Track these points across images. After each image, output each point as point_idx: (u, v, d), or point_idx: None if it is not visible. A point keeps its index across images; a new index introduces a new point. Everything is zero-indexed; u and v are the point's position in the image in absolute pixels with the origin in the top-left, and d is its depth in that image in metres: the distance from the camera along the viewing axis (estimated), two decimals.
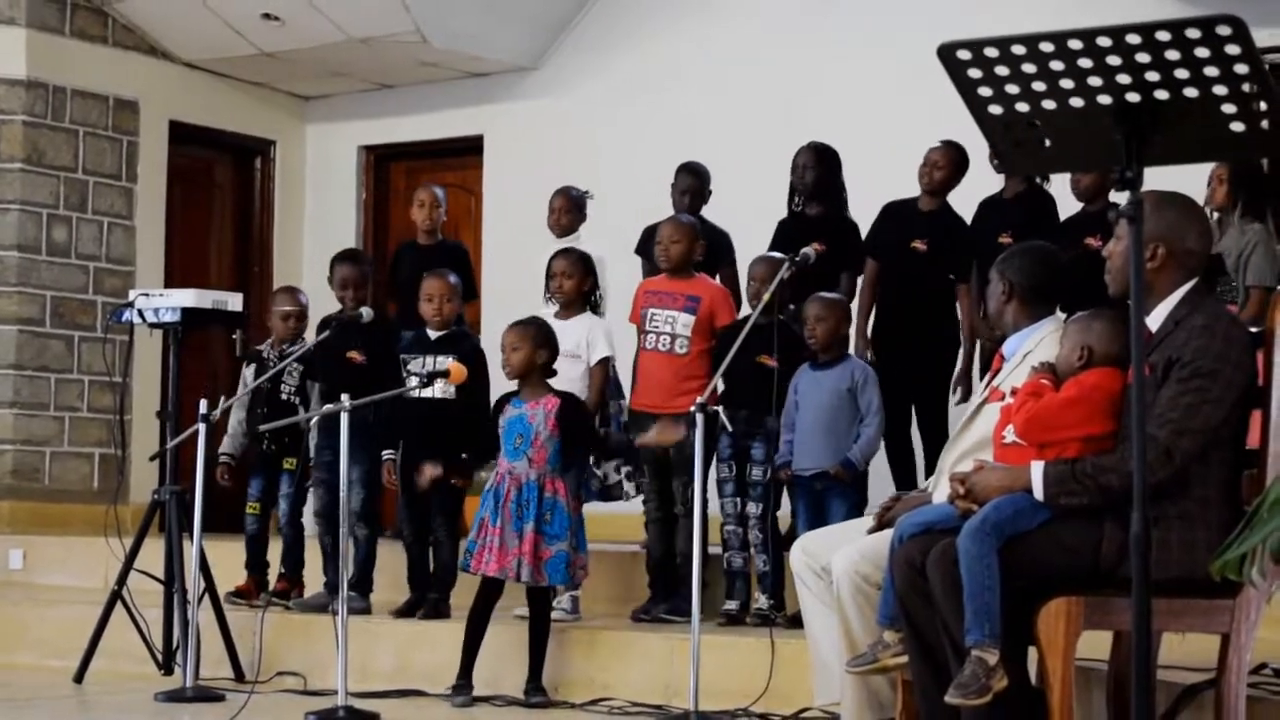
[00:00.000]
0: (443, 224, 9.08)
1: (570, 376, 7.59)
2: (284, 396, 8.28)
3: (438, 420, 7.59)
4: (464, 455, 7.58)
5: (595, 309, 7.88)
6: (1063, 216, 7.83)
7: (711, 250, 8.09)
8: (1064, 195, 7.82)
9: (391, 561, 8.09)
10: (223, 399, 7.65)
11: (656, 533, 7.70)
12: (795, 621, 7.09)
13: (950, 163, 8.07)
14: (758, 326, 7.14)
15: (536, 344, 7.04)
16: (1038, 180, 7.91)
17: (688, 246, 7.70)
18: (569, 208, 8.63)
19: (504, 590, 7.03)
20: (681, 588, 7.52)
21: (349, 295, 8.13)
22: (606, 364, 7.75)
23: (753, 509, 7.42)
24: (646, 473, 7.73)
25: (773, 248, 8.02)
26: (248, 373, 8.49)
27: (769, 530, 7.38)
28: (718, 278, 8.12)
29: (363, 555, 7.98)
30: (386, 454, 7.85)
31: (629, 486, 8.20)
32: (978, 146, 7.62)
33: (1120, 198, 7.46)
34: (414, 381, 7.21)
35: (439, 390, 7.46)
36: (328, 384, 8.01)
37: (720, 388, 7.30)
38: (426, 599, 7.74)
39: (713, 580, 7.70)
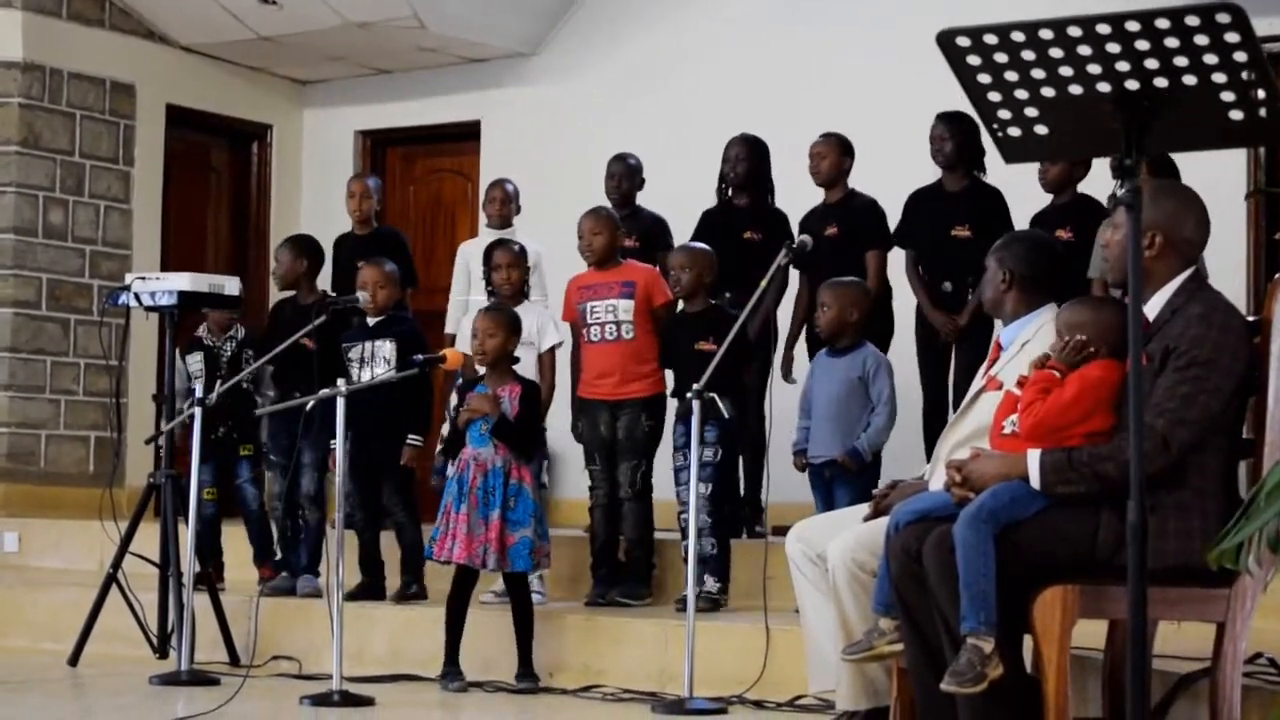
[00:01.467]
0: (376, 213, 9.08)
1: (526, 363, 7.65)
2: (243, 385, 8.24)
3: (384, 406, 7.63)
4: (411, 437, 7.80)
5: (528, 298, 7.93)
6: (1030, 210, 7.81)
7: (649, 236, 8.39)
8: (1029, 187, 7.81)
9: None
10: (218, 383, 7.65)
11: (602, 517, 7.75)
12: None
13: (833, 151, 8.17)
14: (697, 313, 7.46)
15: (510, 331, 7.10)
16: (976, 174, 7.94)
17: (609, 237, 7.77)
18: (507, 199, 8.72)
19: (478, 576, 7.05)
20: (633, 572, 7.66)
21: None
22: (554, 352, 7.83)
23: (701, 489, 7.41)
24: (596, 459, 7.76)
25: (697, 236, 8.18)
26: (191, 361, 8.45)
27: (718, 513, 7.41)
28: (656, 263, 8.22)
29: (313, 538, 8.03)
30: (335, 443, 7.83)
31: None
32: (920, 140, 7.78)
33: (1085, 187, 7.55)
34: (385, 369, 7.31)
35: (379, 376, 7.51)
36: (282, 369, 8.06)
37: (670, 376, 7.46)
38: (404, 581, 7.78)
39: (667, 565, 7.79)
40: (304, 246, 8.53)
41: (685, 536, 7.47)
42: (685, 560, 7.44)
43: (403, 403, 7.72)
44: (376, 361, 7.67)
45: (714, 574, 7.40)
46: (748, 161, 8.33)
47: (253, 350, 8.31)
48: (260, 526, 8.39)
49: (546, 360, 7.77)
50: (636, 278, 7.75)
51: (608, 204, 8.31)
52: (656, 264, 8.19)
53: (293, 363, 7.84)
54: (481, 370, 7.23)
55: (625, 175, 8.63)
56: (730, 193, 8.43)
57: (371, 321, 7.89)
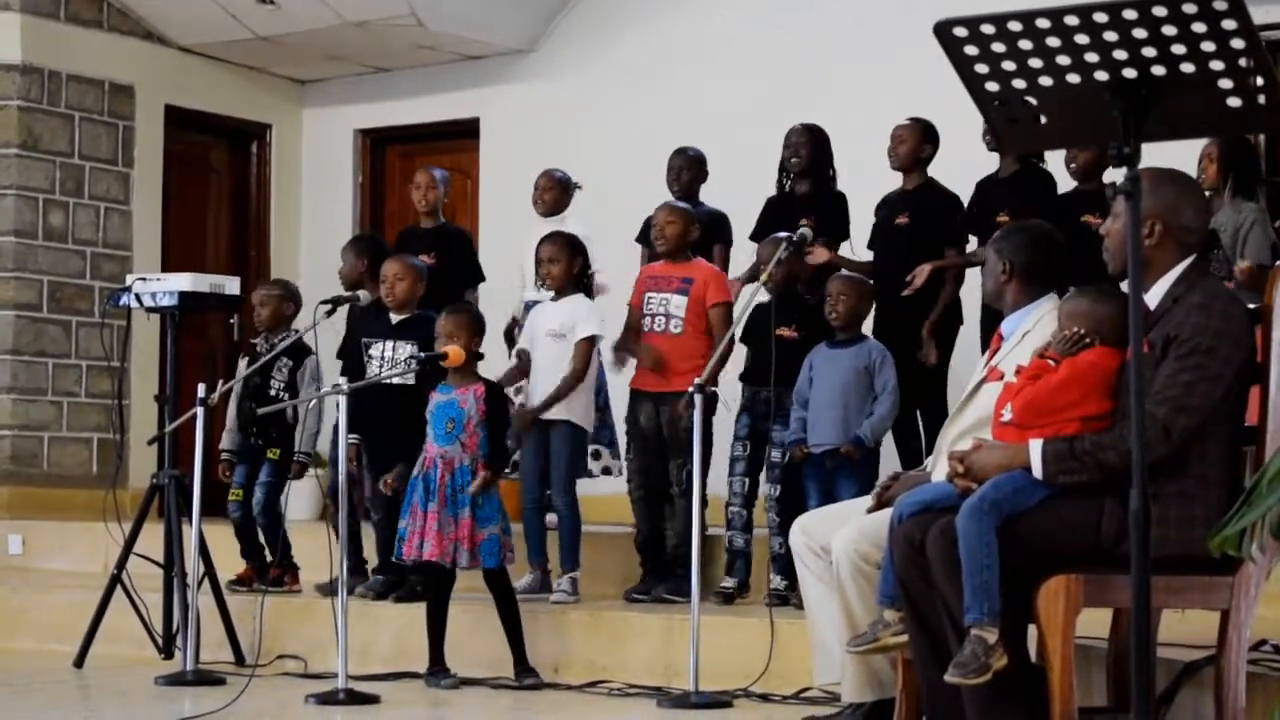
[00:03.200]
0: (444, 205, 9.06)
1: (555, 354, 7.69)
2: (272, 391, 8.23)
3: (402, 405, 7.64)
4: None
5: (588, 291, 7.90)
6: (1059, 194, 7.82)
7: (708, 230, 8.20)
8: (1060, 173, 7.81)
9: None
10: (220, 383, 7.65)
11: (642, 511, 7.76)
12: (783, 600, 7.17)
13: (913, 136, 8.10)
14: (774, 302, 7.34)
15: (472, 331, 7.10)
16: (1034, 160, 7.91)
17: (682, 228, 7.77)
18: (551, 186, 8.70)
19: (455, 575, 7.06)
20: (677, 568, 7.57)
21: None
22: (592, 341, 7.78)
23: (771, 490, 7.43)
24: (633, 451, 7.77)
25: (762, 225, 8.16)
26: (243, 365, 8.51)
27: (787, 513, 7.40)
28: (714, 257, 8.23)
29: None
30: (351, 438, 7.81)
31: (614, 465, 8.30)
32: (973, 125, 7.74)
33: (1117, 175, 7.51)
34: (409, 364, 7.30)
35: (399, 376, 7.51)
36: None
37: (725, 366, 7.40)
38: (406, 581, 7.76)
39: (710, 559, 7.74)
40: (366, 247, 8.51)
41: (729, 528, 7.58)
42: (729, 551, 7.54)
43: (419, 403, 7.70)
44: (397, 361, 7.64)
45: (782, 572, 7.36)
46: (809, 148, 8.23)
47: (292, 360, 8.25)
48: (268, 530, 8.36)
49: (580, 348, 7.72)
50: (696, 276, 7.73)
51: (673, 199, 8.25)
52: (714, 257, 8.18)
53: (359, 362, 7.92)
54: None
55: (686, 167, 8.52)
56: (791, 181, 8.37)
57: (395, 319, 7.86)
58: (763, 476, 7.56)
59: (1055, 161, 7.79)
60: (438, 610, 7.02)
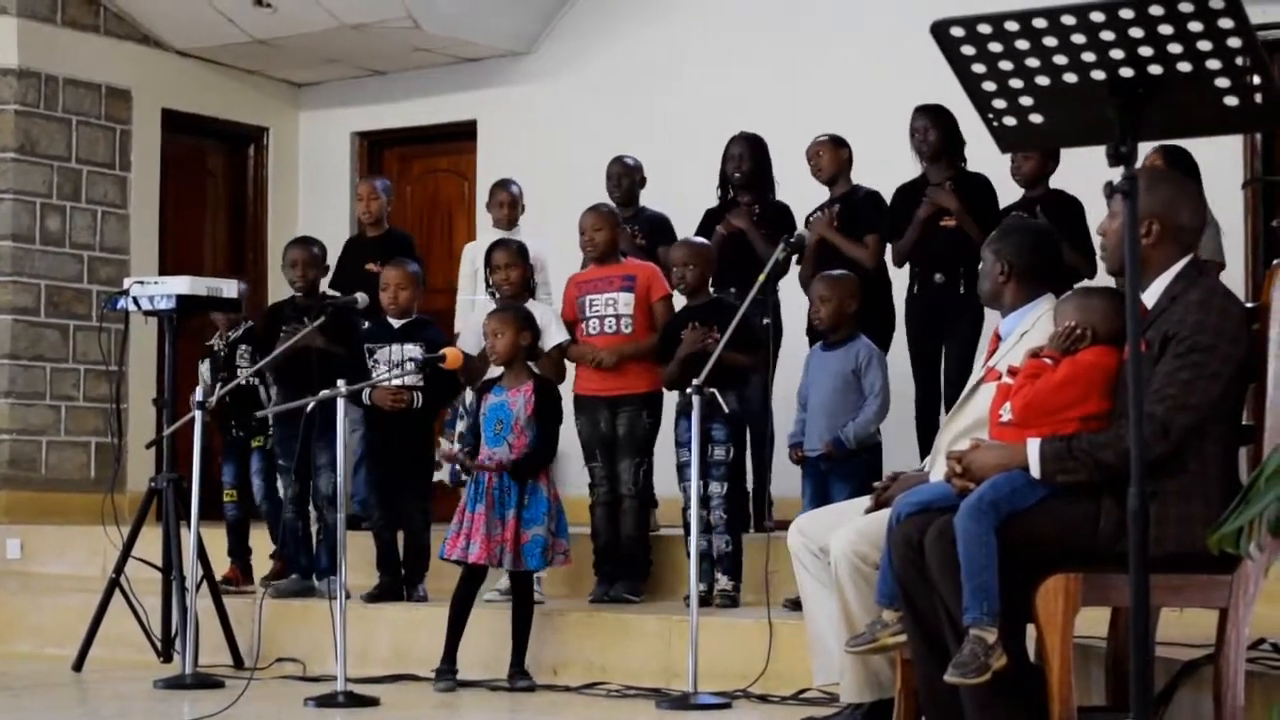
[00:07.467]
0: (388, 214, 9.09)
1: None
2: (243, 382, 8.23)
3: (407, 408, 7.66)
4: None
5: (534, 296, 7.92)
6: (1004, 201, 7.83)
7: (653, 234, 8.39)
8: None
9: (355, 545, 8.10)
10: (218, 387, 7.67)
11: (605, 515, 7.75)
12: (795, 605, 7.15)
13: (828, 149, 8.17)
14: (700, 306, 7.51)
15: (519, 328, 7.08)
16: (960, 164, 7.93)
17: (611, 233, 7.81)
18: (513, 201, 8.76)
19: (486, 575, 7.07)
20: (634, 567, 7.65)
21: (299, 275, 8.24)
22: (562, 350, 7.79)
23: (716, 489, 7.42)
24: (597, 456, 7.76)
25: (700, 234, 8.17)
26: (203, 371, 8.56)
27: (733, 510, 7.44)
28: (658, 260, 8.26)
29: (333, 540, 8.00)
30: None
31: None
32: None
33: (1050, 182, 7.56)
34: (409, 366, 7.32)
35: (409, 379, 7.53)
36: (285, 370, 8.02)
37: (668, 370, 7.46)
38: (408, 582, 7.78)
39: (663, 561, 7.80)
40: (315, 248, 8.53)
41: (688, 532, 7.51)
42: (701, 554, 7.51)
43: (428, 406, 7.74)
44: (404, 365, 7.65)
45: (728, 572, 7.39)
46: (751, 160, 8.29)
47: (250, 345, 8.33)
48: (273, 519, 8.39)
49: (550, 355, 7.72)
50: (636, 272, 7.79)
51: (609, 202, 8.31)
52: (658, 260, 8.20)
53: (296, 364, 7.84)
54: (498, 370, 7.23)
55: (624, 174, 8.62)
56: (733, 191, 8.39)
57: (396, 324, 7.84)
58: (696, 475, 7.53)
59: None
60: (461, 609, 7.00)
